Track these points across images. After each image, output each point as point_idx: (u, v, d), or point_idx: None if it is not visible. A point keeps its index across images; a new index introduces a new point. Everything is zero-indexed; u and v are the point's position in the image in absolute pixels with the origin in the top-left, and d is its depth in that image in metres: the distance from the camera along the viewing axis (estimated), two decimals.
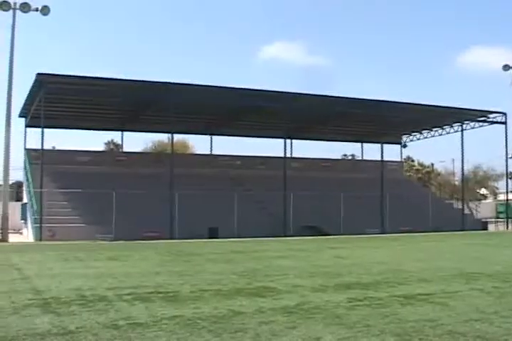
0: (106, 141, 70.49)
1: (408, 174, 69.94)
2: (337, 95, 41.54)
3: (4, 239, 33.65)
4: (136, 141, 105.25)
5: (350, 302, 10.05)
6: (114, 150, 62.29)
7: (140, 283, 12.60)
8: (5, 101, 35.54)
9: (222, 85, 39.37)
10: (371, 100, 41.99)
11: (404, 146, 58.17)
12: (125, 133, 51.07)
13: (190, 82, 38.48)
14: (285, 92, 39.86)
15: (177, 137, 50.46)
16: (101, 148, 65.83)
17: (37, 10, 35.51)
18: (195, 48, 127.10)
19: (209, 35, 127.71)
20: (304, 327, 7.97)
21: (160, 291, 11.20)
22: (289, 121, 40.74)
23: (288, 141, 46.18)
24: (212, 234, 35.33)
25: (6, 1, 34.97)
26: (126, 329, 7.80)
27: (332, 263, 17.83)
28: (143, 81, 37.81)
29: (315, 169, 50.19)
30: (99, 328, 7.85)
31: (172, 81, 37.67)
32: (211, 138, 51.30)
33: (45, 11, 35.68)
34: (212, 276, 13.95)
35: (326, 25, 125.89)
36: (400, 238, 32.92)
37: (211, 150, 51.31)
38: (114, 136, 58.95)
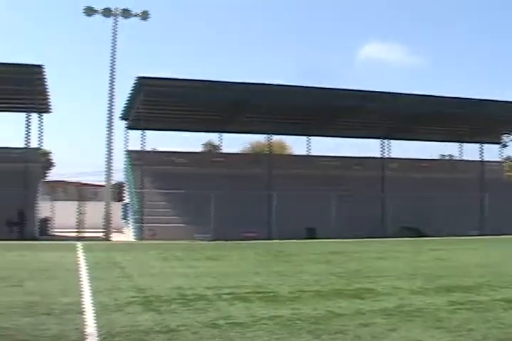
0: (204, 143, 71.32)
1: (509, 174, 67.84)
2: (437, 95, 40.72)
3: (107, 238, 34.64)
4: (234, 142, 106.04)
5: (451, 305, 9.84)
6: (212, 152, 62.95)
7: (239, 282, 12.69)
8: (107, 104, 36.63)
9: (319, 86, 39.24)
10: (474, 99, 40.92)
11: (504, 146, 56.53)
12: (223, 134, 51.56)
13: (288, 83, 38.53)
14: (384, 92, 39.33)
15: (274, 138, 50.64)
16: (199, 149, 66.65)
17: (136, 15, 36.44)
18: (291, 48, 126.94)
19: (305, 35, 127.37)
20: (403, 330, 7.86)
21: (259, 291, 11.25)
22: (387, 121, 40.27)
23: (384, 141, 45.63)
24: (310, 234, 35.30)
25: (108, 8, 36.02)
26: (226, 328, 7.86)
27: (432, 265, 17.48)
28: (240, 83, 38.08)
29: (413, 169, 49.30)
30: (200, 327, 7.94)
31: (269, 82, 37.84)
32: (308, 138, 51.17)
33: (144, 16, 36.54)
34: (310, 277, 13.92)
35: (426, 24, 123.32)
36: (501, 240, 32.02)
37: (308, 150, 51.19)
38: (212, 137, 59.54)
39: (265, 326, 8.00)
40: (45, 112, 42.58)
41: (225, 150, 52.76)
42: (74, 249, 24.19)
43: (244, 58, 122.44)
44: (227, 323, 8.16)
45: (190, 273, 14.62)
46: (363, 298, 10.53)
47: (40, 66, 34.54)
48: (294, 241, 30.81)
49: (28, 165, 35.98)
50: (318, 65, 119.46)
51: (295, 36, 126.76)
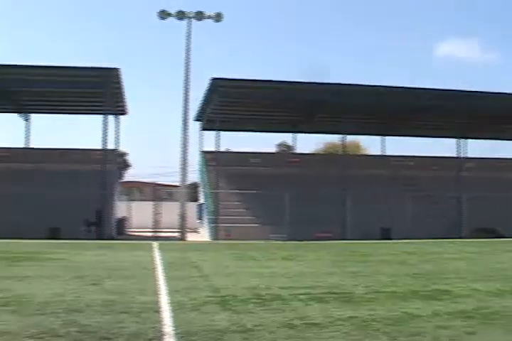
0: (278, 143, 71.45)
1: None
2: None
3: (182, 238, 35.07)
4: (308, 143, 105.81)
5: None
6: (286, 152, 62.97)
7: (314, 283, 12.66)
8: (182, 105, 37.10)
9: (394, 85, 38.79)
10: None
11: None
12: (297, 134, 51.55)
13: (361, 83, 38.23)
14: (461, 91, 38.60)
15: (349, 138, 50.36)
16: (273, 150, 66.80)
17: (210, 17, 36.80)
18: (364, 47, 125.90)
19: (381, 33, 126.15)
20: (483, 333, 7.70)
21: (334, 292, 11.20)
22: (463, 120, 39.55)
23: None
24: (385, 234, 34.99)
25: (182, 11, 36.48)
26: (302, 329, 7.85)
27: (510, 267, 17.09)
28: (314, 83, 38.05)
29: (490, 169, 48.22)
30: (276, 327, 7.95)
31: (342, 82, 37.63)
32: (383, 138, 50.68)
33: (218, 18, 36.87)
34: (386, 278, 13.78)
35: (502, 20, 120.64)
36: None
37: (383, 150, 50.69)
38: (286, 137, 59.62)
39: (341, 327, 7.96)
40: (121, 114, 43.45)
41: (299, 150, 52.73)
42: (150, 248, 24.55)
43: (318, 57, 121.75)
44: (303, 323, 8.15)
45: (265, 273, 14.65)
46: (439, 300, 10.36)
47: (116, 69, 35.23)
48: (369, 241, 30.57)
49: (106, 166, 36.70)
50: (395, 66, 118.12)
51: (375, 34, 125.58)
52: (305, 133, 51.53)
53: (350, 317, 8.61)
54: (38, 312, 8.83)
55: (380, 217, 36.00)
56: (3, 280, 12.65)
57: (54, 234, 32.40)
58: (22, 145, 45.57)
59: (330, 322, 8.25)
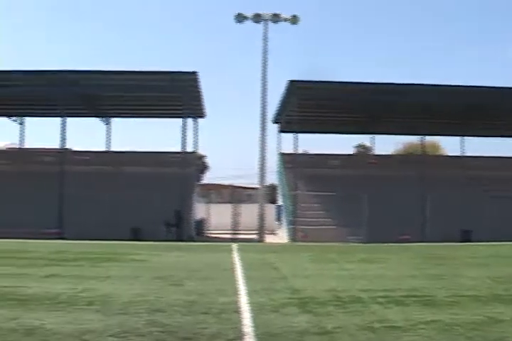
0: (356, 144, 70.93)
1: None
2: None
3: (261, 240, 35.21)
4: (386, 144, 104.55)
5: None
6: (364, 153, 62.44)
7: (394, 285, 12.52)
8: (259, 108, 37.28)
9: (473, 85, 38.04)
10: None
11: None
12: (375, 135, 51.11)
13: (438, 83, 37.66)
14: None
15: (428, 139, 49.69)
16: (351, 151, 66.34)
17: (286, 20, 36.88)
18: (440, 47, 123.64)
19: (453, 33, 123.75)
20: None
21: (415, 295, 11.03)
22: None
23: None
24: (465, 236, 34.32)
25: (258, 14, 36.68)
26: (382, 332, 7.78)
27: None
28: (391, 83, 37.68)
29: None
30: (356, 329, 7.90)
31: (418, 82, 37.16)
32: (462, 139, 49.74)
33: (294, 20, 36.93)
34: (467, 281, 13.52)
35: None
36: None
37: (462, 151, 49.73)
38: (364, 139, 59.14)
39: (422, 331, 7.84)
40: (199, 117, 43.96)
41: (377, 151, 52.27)
42: (229, 249, 24.74)
43: (392, 58, 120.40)
44: (383, 327, 8.07)
45: (344, 276, 14.59)
46: None
47: (194, 73, 35.66)
48: (449, 244, 30.06)
49: (185, 169, 37.18)
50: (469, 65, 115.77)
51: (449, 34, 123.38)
52: (383, 134, 51.02)
53: (432, 321, 8.47)
54: (121, 311, 9.02)
55: (460, 219, 35.34)
56: (87, 280, 12.97)
57: (135, 235, 33.06)
58: (103, 149, 46.57)
59: (411, 326, 8.13)
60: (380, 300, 10.38)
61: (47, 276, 13.66)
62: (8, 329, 7.59)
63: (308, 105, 39.13)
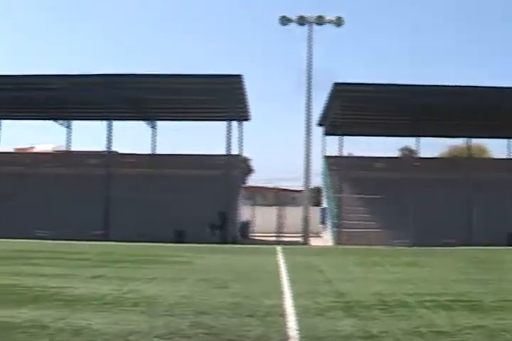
0: (400, 147, 70.37)
1: None
2: None
3: (305, 242, 35.14)
4: (431, 146, 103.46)
5: None
6: (409, 156, 61.86)
7: (440, 290, 12.37)
8: (304, 110, 37.22)
9: None
10: None
11: None
12: (420, 138, 50.64)
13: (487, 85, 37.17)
14: None
15: (474, 141, 49.07)
16: (396, 154, 65.78)
17: (330, 22, 36.77)
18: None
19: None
20: None
21: (461, 299, 10.87)
22: None
23: None
24: None
25: (303, 16, 36.65)
26: (429, 337, 7.65)
27: None
28: (434, 85, 37.25)
29: None
30: (402, 334, 7.79)
31: (465, 84, 36.75)
32: (509, 141, 49.01)
33: (338, 22, 36.80)
34: None
35: None
36: None
37: (509, 153, 49.00)
38: (409, 141, 58.65)
39: (469, 336, 7.72)
40: (244, 120, 44.03)
41: (422, 154, 51.73)
42: (274, 252, 24.74)
43: (437, 61, 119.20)
44: (430, 331, 7.95)
45: (389, 279, 14.47)
46: None
47: (239, 76, 35.75)
48: (495, 247, 29.62)
49: (230, 172, 37.29)
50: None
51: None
52: (428, 136, 50.46)
53: (478, 326, 8.33)
54: (167, 313, 9.06)
55: (507, 222, 34.81)
56: (132, 281, 13.08)
57: (179, 237, 33.27)
58: (149, 152, 46.95)
59: (457, 331, 7.99)
60: (427, 304, 10.24)
61: (93, 277, 13.82)
62: (57, 328, 7.69)
63: (352, 108, 38.95)
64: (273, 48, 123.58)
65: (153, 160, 44.92)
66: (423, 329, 8.06)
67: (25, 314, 8.66)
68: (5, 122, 41.12)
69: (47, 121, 49.65)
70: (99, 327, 7.86)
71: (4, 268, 15.72)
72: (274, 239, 38.40)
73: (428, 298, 10.99)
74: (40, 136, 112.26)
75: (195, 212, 34.96)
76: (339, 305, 10.12)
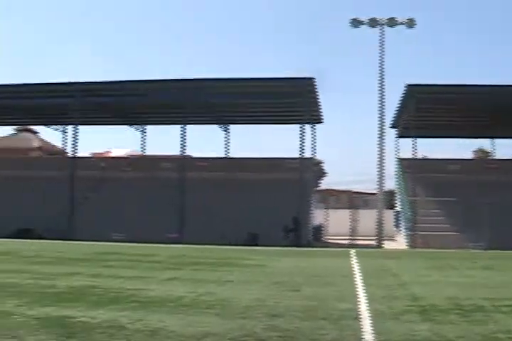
0: (475, 149, 69.07)
1: None
2: None
3: (379, 246, 34.83)
4: (507, 148, 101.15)
5: None
6: (484, 158, 60.71)
7: None
8: (377, 113, 36.90)
9: None
10: None
11: None
12: (495, 140, 49.65)
13: None
14: None
15: None
16: (469, 156, 64.61)
17: (402, 23, 36.39)
18: None
19: None
20: None
21: None
22: None
23: None
24: None
25: (374, 18, 36.37)
26: None
27: None
28: (509, 85, 36.39)
29: None
30: (478, 339, 7.68)
31: None
32: None
33: (410, 23, 36.39)
34: None
35: None
36: None
37: None
38: (483, 143, 57.64)
39: None
40: (317, 123, 43.96)
41: (497, 156, 50.68)
42: (347, 255, 24.60)
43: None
44: (507, 338, 7.78)
45: (465, 283, 14.22)
46: None
47: (311, 79, 35.72)
48: None
49: (303, 175, 37.24)
50: None
51: None
52: (504, 138, 49.40)
53: None
54: (241, 315, 9.13)
55: None
56: (207, 283, 13.22)
57: (253, 240, 33.38)
58: (222, 155, 47.31)
59: None
60: (504, 309, 10.04)
61: (168, 279, 14.03)
62: (134, 329, 7.85)
63: (426, 109, 38.45)
64: (345, 51, 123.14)
65: (227, 163, 45.23)
66: (500, 335, 7.91)
67: (103, 315, 8.88)
68: (82, 127, 41.95)
69: (122, 126, 50.63)
70: (175, 328, 7.99)
71: (83, 269, 16.09)
72: (347, 242, 38.19)
73: (506, 302, 10.76)
74: (116, 140, 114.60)
75: (269, 215, 35.03)
76: (414, 309, 10.01)
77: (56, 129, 50.69)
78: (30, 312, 8.96)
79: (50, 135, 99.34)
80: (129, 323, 8.25)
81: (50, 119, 49.14)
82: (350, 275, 16.03)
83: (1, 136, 59.36)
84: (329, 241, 42.45)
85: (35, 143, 60.61)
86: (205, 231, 33.87)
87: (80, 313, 8.97)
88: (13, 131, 62.17)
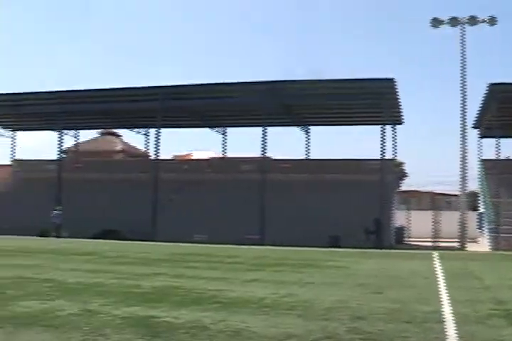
0: None
1: None
2: None
3: (462, 248, 34.22)
4: None
5: None
6: None
7: None
8: (459, 113, 36.24)
9: None
10: None
11: None
12: None
13: None
14: None
15: None
16: None
17: (484, 21, 35.67)
18: None
19: None
20: None
21: None
22: None
23: None
24: None
25: (455, 17, 35.76)
26: None
27: None
28: None
29: None
30: None
31: None
32: None
33: (492, 22, 35.66)
34: None
35: None
36: None
37: None
38: None
39: None
40: (398, 124, 43.52)
41: None
42: (430, 257, 24.27)
43: None
44: None
45: None
46: None
47: (392, 79, 35.39)
48: None
49: (384, 176, 36.90)
50: None
51: None
52: None
53: None
54: (323, 317, 9.11)
55: None
56: (288, 285, 13.25)
57: (334, 242, 33.26)
58: (303, 157, 47.32)
59: None
60: None
61: (250, 281, 14.11)
62: (216, 330, 7.94)
63: (509, 109, 37.56)
64: (425, 50, 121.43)
65: (308, 165, 45.24)
66: None
67: (186, 315, 9.01)
68: (164, 130, 42.68)
69: (204, 129, 51.16)
70: (257, 329, 8.04)
71: (166, 270, 16.38)
72: (429, 244, 37.65)
73: None
74: (198, 142, 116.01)
75: (350, 216, 34.88)
76: (500, 313, 9.78)
77: (138, 132, 51.71)
78: (116, 312, 9.17)
79: (131, 138, 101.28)
80: (211, 324, 8.35)
81: (133, 122, 50.20)
82: (433, 277, 15.81)
83: (86, 139, 60.94)
84: (411, 243, 41.94)
85: (119, 146, 61.96)
86: (286, 232, 33.96)
87: (163, 313, 9.13)
88: (97, 134, 63.73)
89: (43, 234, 37.08)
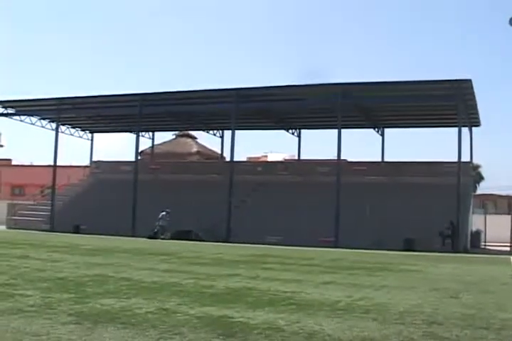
0: None
1: None
2: None
3: None
4: None
5: None
6: None
7: None
8: None
9: None
10: None
11: None
12: None
13: None
14: None
15: None
16: None
17: None
18: None
19: None
20: None
21: None
22: None
23: None
24: None
25: None
26: None
27: None
28: None
29: None
30: None
31: None
32: None
33: None
34: None
35: None
36: None
37: None
38: None
39: None
40: (475, 126, 42.79)
41: None
42: (507, 262, 23.83)
43: None
44: None
45: None
46: None
47: (469, 80, 34.77)
48: None
49: (460, 179, 36.27)
50: None
51: None
52: None
53: None
54: (398, 321, 9.07)
55: None
56: (363, 288, 13.25)
57: (409, 246, 32.88)
58: (378, 159, 46.94)
59: None
60: None
61: (324, 283, 14.13)
62: (291, 332, 8.01)
63: None
64: (503, 51, 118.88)
65: (383, 168, 44.89)
66: None
67: (261, 316, 9.12)
68: (238, 132, 42.95)
69: (279, 131, 51.25)
70: (332, 332, 8.08)
71: (241, 271, 16.54)
72: (507, 248, 36.82)
73: None
74: (272, 144, 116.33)
75: (426, 220, 34.45)
76: None
77: (214, 134, 52.19)
78: (191, 311, 9.36)
79: (206, 140, 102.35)
80: (286, 325, 8.42)
81: (208, 124, 50.72)
82: (510, 283, 15.52)
83: (163, 141, 61.95)
84: (488, 247, 41.11)
85: (194, 148, 62.75)
86: (360, 235, 33.78)
87: (238, 314, 9.26)
88: (173, 137, 64.69)
89: (150, 237, 36.53)
